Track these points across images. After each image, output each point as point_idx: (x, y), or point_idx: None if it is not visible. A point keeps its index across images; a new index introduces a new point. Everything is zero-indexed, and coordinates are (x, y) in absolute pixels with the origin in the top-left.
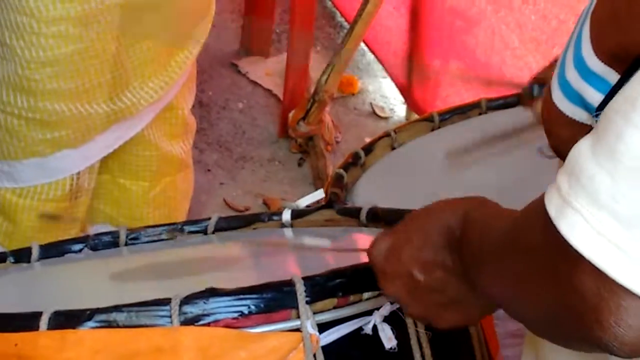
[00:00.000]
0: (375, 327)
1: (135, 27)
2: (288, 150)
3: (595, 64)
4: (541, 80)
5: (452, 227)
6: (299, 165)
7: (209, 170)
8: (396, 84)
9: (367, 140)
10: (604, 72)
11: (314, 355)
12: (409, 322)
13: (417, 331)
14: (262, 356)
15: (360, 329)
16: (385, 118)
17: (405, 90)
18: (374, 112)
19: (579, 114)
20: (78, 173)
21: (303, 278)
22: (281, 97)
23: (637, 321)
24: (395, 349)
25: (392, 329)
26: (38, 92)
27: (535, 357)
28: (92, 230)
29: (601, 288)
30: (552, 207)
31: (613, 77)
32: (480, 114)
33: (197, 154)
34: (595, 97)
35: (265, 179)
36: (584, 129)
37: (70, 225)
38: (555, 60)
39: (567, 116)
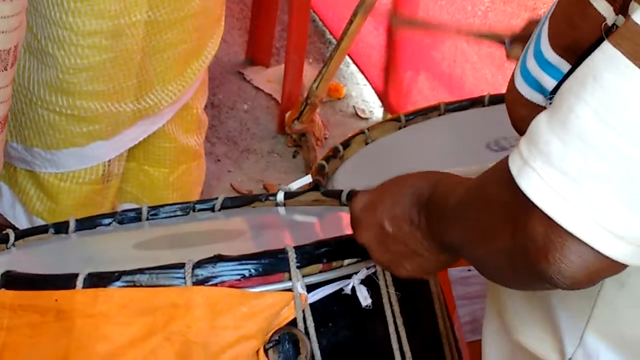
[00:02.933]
0: (353, 288)
1: (157, 40)
2: (285, 145)
3: (551, 55)
4: (517, 38)
5: (422, 189)
6: (294, 157)
7: (218, 160)
8: (375, 91)
9: None
10: (558, 63)
11: (303, 311)
12: (382, 284)
13: (388, 292)
14: (260, 311)
15: (341, 289)
16: (366, 119)
17: (383, 96)
18: (356, 114)
19: (536, 97)
20: (109, 161)
21: (294, 247)
22: (279, 100)
23: (577, 258)
24: (370, 306)
25: (367, 289)
26: (75, 93)
27: (497, 311)
28: (120, 208)
29: (550, 232)
30: (514, 167)
31: (565, 66)
32: (439, 115)
33: (208, 147)
34: (550, 83)
35: (265, 168)
36: (539, 110)
37: (102, 203)
38: (529, 22)
39: (526, 99)
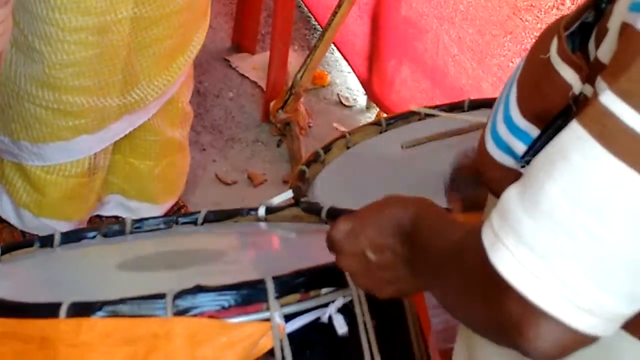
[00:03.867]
0: (330, 317)
1: (143, 36)
2: (269, 133)
3: (520, 121)
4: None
5: (402, 221)
6: (278, 145)
7: (203, 149)
8: (359, 79)
9: (335, 124)
10: (527, 128)
11: (281, 341)
12: (358, 312)
13: (364, 321)
14: (239, 341)
15: (319, 318)
16: (349, 107)
17: (366, 84)
18: (340, 102)
19: (507, 160)
20: (95, 154)
21: (273, 277)
22: (264, 88)
23: (550, 334)
24: (346, 334)
25: (344, 318)
26: (62, 88)
27: (466, 344)
28: (106, 199)
29: (523, 309)
30: (487, 241)
31: (534, 132)
32: (419, 119)
33: (194, 135)
34: (520, 147)
35: (250, 157)
36: (511, 172)
37: (89, 195)
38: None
39: (498, 162)
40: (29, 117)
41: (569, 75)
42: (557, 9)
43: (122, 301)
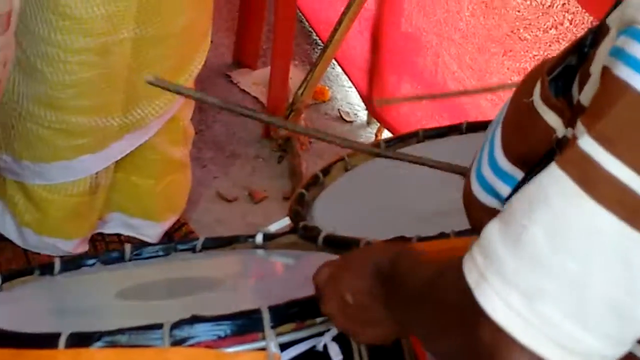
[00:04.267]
0: (325, 345)
1: (144, 56)
2: (270, 149)
3: (505, 164)
4: None
5: (381, 264)
6: (279, 162)
7: (204, 166)
8: (359, 94)
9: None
10: (512, 171)
11: None
12: (353, 340)
13: (359, 349)
14: None
15: (314, 346)
16: (350, 122)
17: (367, 99)
18: (341, 117)
19: (492, 202)
20: (97, 173)
21: (268, 307)
22: (265, 103)
23: None
24: None
25: (339, 346)
26: (63, 108)
27: None
28: (108, 217)
29: (507, 346)
30: (471, 278)
31: (519, 174)
32: (417, 142)
33: (195, 152)
34: (505, 190)
35: (251, 173)
36: (495, 213)
37: (90, 214)
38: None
39: (483, 204)
40: (30, 136)
41: (552, 119)
42: (556, 28)
43: (120, 331)
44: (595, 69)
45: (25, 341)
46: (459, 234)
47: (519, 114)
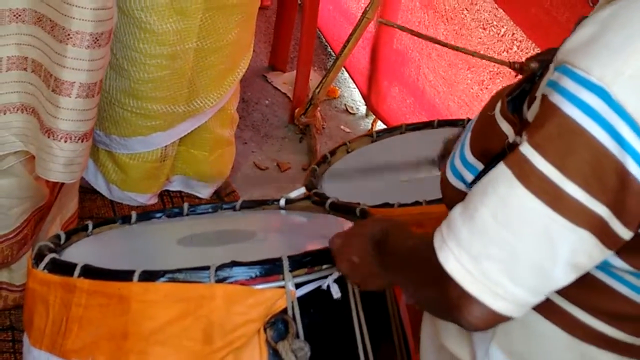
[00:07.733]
0: (328, 285)
1: (203, 61)
2: (294, 132)
3: (470, 157)
4: (444, 154)
5: (376, 234)
6: (300, 141)
7: (245, 143)
8: (361, 93)
9: (342, 127)
10: (475, 163)
11: (292, 302)
12: (349, 282)
13: (353, 289)
14: (262, 302)
15: (320, 286)
16: (353, 114)
17: (366, 97)
18: (347, 110)
19: (461, 186)
20: (165, 146)
21: (288, 256)
22: (292, 98)
23: (478, 313)
24: (340, 298)
25: (338, 286)
26: (142, 97)
27: (430, 317)
28: (172, 178)
29: (460, 294)
30: (437, 243)
31: (480, 166)
32: (401, 133)
33: (238, 132)
34: (469, 177)
35: (279, 149)
36: (462, 194)
37: (160, 176)
38: (449, 140)
39: (453, 186)
40: (117, 118)
41: (506, 128)
42: (507, 52)
43: (178, 271)
44: (538, 95)
45: (108, 275)
46: (429, 202)
47: (484, 122)
